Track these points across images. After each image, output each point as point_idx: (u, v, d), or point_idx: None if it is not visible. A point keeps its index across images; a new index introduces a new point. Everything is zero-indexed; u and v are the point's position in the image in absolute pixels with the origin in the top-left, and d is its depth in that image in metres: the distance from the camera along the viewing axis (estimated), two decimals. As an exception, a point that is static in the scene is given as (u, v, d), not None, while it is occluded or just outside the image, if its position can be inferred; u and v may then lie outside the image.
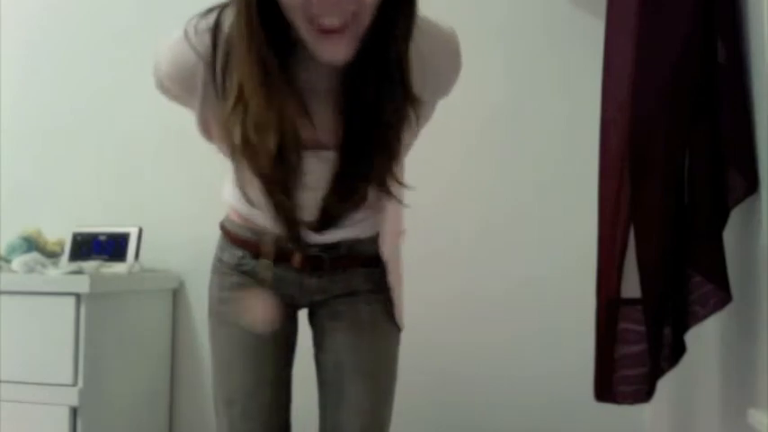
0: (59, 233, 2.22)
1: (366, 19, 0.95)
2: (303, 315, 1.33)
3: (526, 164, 2.06)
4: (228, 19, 1.01)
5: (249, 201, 1.14)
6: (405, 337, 1.32)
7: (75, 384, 1.81)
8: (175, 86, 1.10)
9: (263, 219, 1.18)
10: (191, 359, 2.21)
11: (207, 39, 1.03)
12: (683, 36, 1.19)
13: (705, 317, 1.21)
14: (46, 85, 2.43)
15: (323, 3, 0.92)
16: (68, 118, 2.39)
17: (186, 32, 1.04)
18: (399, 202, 1.16)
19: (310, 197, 1.12)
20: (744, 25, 1.18)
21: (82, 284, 1.82)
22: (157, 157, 2.28)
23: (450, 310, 2.01)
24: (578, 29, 2.00)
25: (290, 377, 1.29)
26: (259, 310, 1.22)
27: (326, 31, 0.94)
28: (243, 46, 0.98)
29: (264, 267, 1.23)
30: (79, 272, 1.88)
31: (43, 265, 1.97)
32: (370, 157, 1.07)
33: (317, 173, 1.09)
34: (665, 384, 1.29)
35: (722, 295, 1.17)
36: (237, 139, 1.03)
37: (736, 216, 1.19)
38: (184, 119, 1.17)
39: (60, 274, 1.89)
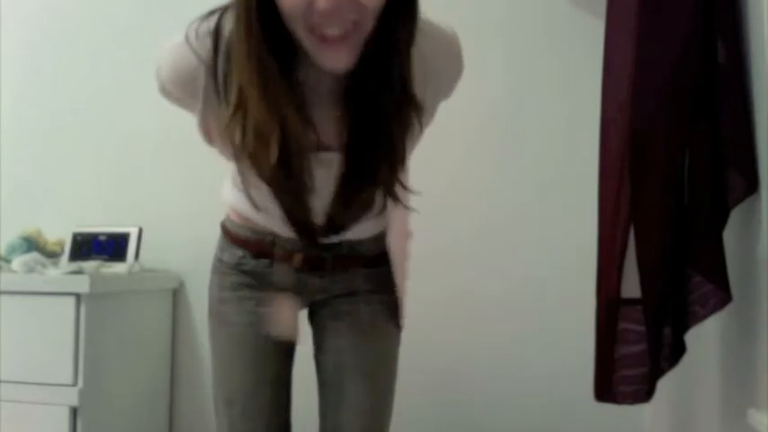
0: (59, 233, 2.22)
1: (368, 27, 0.95)
2: (302, 315, 1.33)
3: (526, 163, 2.06)
4: (229, 22, 1.01)
5: (255, 204, 1.13)
6: (405, 337, 1.32)
7: (75, 384, 1.81)
8: (177, 90, 1.10)
9: (268, 221, 1.18)
10: (191, 359, 2.21)
11: (208, 43, 1.03)
12: (683, 36, 1.19)
13: (705, 317, 1.21)
14: (46, 85, 2.43)
15: (324, 13, 0.91)
16: (68, 118, 2.39)
17: (187, 36, 1.04)
18: (405, 207, 1.16)
19: (317, 200, 1.12)
20: (744, 25, 1.18)
21: (82, 284, 1.82)
22: (157, 157, 2.28)
23: (449, 310, 2.01)
24: (578, 29, 2.00)
25: (290, 377, 1.29)
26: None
27: (328, 40, 0.94)
28: (242, 51, 0.97)
29: (284, 274, 1.23)
30: (79, 272, 1.88)
31: (43, 265, 1.97)
32: (374, 161, 1.07)
33: (322, 175, 1.09)
34: (665, 384, 1.29)
35: (722, 295, 1.17)
36: (238, 144, 1.03)
37: (736, 216, 1.19)
38: (184, 119, 1.17)
39: (60, 274, 1.89)
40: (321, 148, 1.07)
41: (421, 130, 1.10)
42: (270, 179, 1.06)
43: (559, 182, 2.02)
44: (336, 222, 1.15)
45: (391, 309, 1.28)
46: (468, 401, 2.02)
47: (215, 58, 1.03)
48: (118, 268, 2.04)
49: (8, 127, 2.42)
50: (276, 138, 1.00)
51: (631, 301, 1.25)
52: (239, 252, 1.26)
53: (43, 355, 1.83)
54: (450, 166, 2.04)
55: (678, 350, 1.26)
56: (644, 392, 1.25)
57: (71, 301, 1.83)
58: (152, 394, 2.15)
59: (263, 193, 1.11)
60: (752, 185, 1.13)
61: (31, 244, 2.14)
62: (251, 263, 1.25)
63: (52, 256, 2.14)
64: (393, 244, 1.25)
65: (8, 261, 2.04)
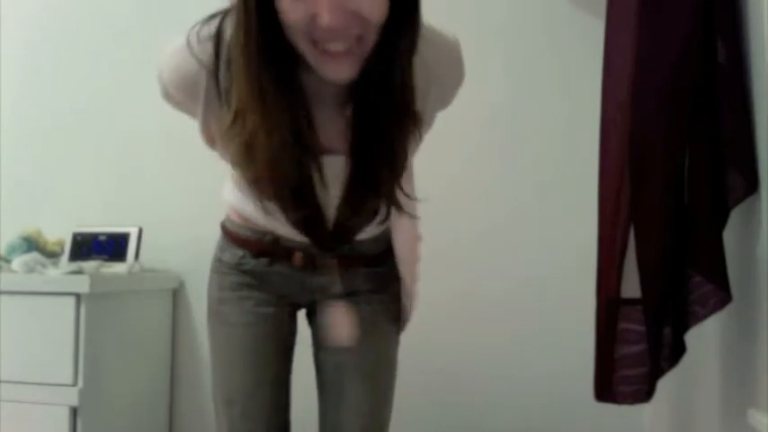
0: (59, 233, 2.22)
1: (371, 41, 0.95)
2: (302, 315, 1.33)
3: (526, 163, 2.06)
4: (231, 26, 1.00)
5: (264, 209, 1.13)
6: (405, 337, 1.32)
7: (75, 384, 1.81)
8: (179, 94, 1.09)
9: (273, 223, 1.18)
10: (191, 359, 2.21)
11: (209, 47, 1.03)
12: (683, 36, 1.19)
13: (705, 317, 1.21)
14: (46, 85, 2.43)
15: (328, 29, 0.91)
16: (68, 118, 2.39)
17: (188, 41, 1.04)
18: (411, 216, 1.16)
19: (327, 203, 1.12)
20: (744, 25, 1.18)
21: (82, 284, 1.82)
22: (157, 157, 2.28)
23: (450, 310, 2.01)
24: (578, 29, 2.00)
25: (289, 377, 1.29)
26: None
27: (331, 54, 0.94)
28: (241, 63, 0.97)
29: (284, 273, 1.23)
30: (79, 272, 1.88)
31: (43, 265, 1.97)
32: (376, 167, 1.07)
33: (329, 177, 1.09)
34: (665, 384, 1.29)
35: (722, 295, 1.17)
36: (235, 153, 1.03)
37: (736, 216, 1.19)
38: (184, 119, 1.17)
39: (60, 274, 1.89)
40: (324, 151, 1.07)
41: (420, 140, 1.10)
42: (273, 193, 1.06)
43: (559, 182, 2.02)
44: (344, 228, 1.15)
45: (392, 309, 1.28)
46: (468, 401, 2.02)
47: (216, 63, 1.03)
48: (118, 268, 2.04)
49: (8, 127, 2.42)
50: (269, 148, 1.00)
51: (631, 301, 1.25)
52: (239, 252, 1.26)
53: (43, 355, 1.83)
54: (451, 166, 2.03)
55: (678, 350, 1.26)
56: (644, 392, 1.25)
57: (71, 301, 1.83)
58: (152, 394, 2.15)
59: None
60: (752, 185, 1.13)
61: (31, 244, 2.14)
62: (251, 262, 1.25)
63: (52, 256, 2.14)
64: (401, 248, 1.25)
65: (8, 261, 2.04)
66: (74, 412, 1.81)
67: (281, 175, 1.03)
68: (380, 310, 1.26)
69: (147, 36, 2.16)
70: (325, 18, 0.90)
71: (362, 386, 1.24)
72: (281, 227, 1.18)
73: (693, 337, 1.25)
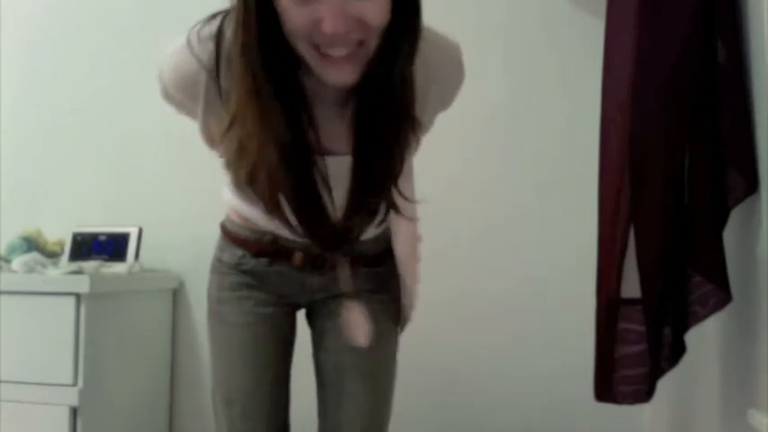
0: (59, 233, 2.22)
1: (372, 45, 0.96)
2: (301, 315, 1.33)
3: (526, 163, 2.06)
4: (231, 26, 1.00)
5: (265, 210, 1.11)
6: (405, 337, 1.32)
7: (75, 384, 1.81)
8: (179, 94, 1.09)
9: (274, 224, 1.17)
10: (191, 359, 2.21)
11: (210, 46, 1.03)
12: (683, 36, 1.19)
13: (705, 317, 1.21)
14: (46, 85, 2.43)
15: (330, 36, 0.91)
16: (68, 118, 2.39)
17: (189, 41, 1.04)
18: (409, 218, 1.16)
19: (329, 201, 1.11)
20: (744, 25, 1.18)
21: (82, 284, 1.82)
22: (157, 157, 2.28)
23: (450, 310, 2.01)
24: (578, 28, 2.00)
25: (289, 377, 1.29)
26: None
27: (332, 59, 0.94)
28: (240, 61, 0.97)
29: (284, 272, 1.23)
30: (79, 272, 1.88)
31: (43, 265, 1.97)
32: (375, 170, 1.07)
33: (332, 175, 1.09)
34: (665, 384, 1.29)
35: (722, 295, 1.17)
36: (230, 153, 1.03)
37: (736, 216, 1.19)
38: (185, 119, 1.17)
39: (60, 274, 1.89)
40: (325, 151, 1.07)
41: (418, 143, 1.11)
42: (269, 195, 1.06)
43: (559, 182, 2.02)
44: (346, 228, 1.15)
45: (392, 309, 1.28)
46: (468, 401, 2.02)
47: (217, 63, 1.03)
48: (118, 268, 2.04)
49: (8, 127, 2.42)
50: (264, 153, 1.00)
51: (631, 301, 1.25)
52: (239, 252, 1.26)
53: (43, 355, 1.83)
54: (451, 165, 2.03)
55: (678, 350, 1.26)
56: (644, 392, 1.25)
57: (71, 301, 1.83)
58: (152, 394, 2.15)
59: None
60: (752, 185, 1.13)
61: (31, 244, 2.14)
62: (250, 262, 1.25)
63: (52, 256, 2.14)
64: (400, 249, 1.25)
65: (8, 261, 2.04)
66: (74, 412, 1.81)
67: (278, 177, 1.03)
68: (381, 310, 1.26)
69: (147, 36, 2.16)
70: (329, 24, 0.90)
71: (363, 386, 1.24)
72: (281, 227, 1.18)
73: (693, 337, 1.25)
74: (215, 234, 1.32)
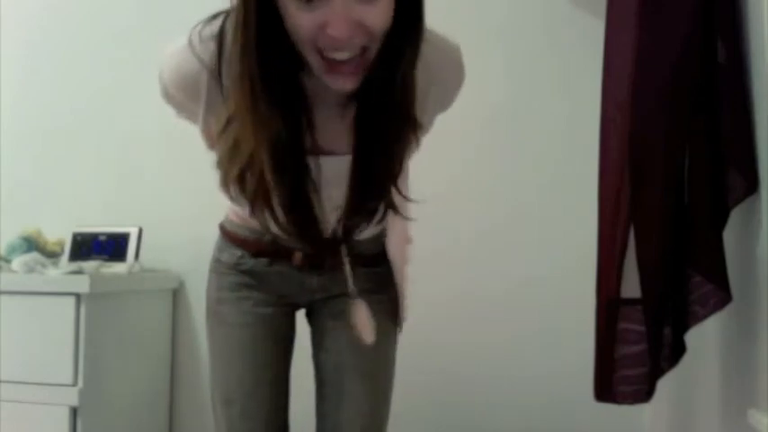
0: (59, 233, 2.22)
1: (374, 49, 0.96)
2: (301, 315, 1.33)
3: (526, 164, 2.06)
4: (231, 26, 1.00)
5: (252, 212, 1.12)
6: (405, 338, 1.32)
7: (75, 384, 1.81)
8: (179, 94, 1.09)
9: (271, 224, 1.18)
10: (191, 359, 2.21)
11: (212, 46, 1.03)
12: (683, 36, 1.19)
13: (705, 317, 1.21)
14: (46, 85, 2.43)
15: (334, 41, 0.92)
16: (68, 118, 2.39)
17: (191, 41, 1.04)
18: (406, 218, 1.16)
19: (326, 200, 1.12)
20: (744, 25, 1.18)
21: (82, 284, 1.82)
22: (157, 157, 2.28)
23: (450, 311, 2.01)
24: (578, 29, 2.00)
25: (288, 377, 1.29)
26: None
27: (335, 63, 0.95)
28: (238, 61, 0.97)
29: (283, 272, 1.24)
30: (79, 272, 1.88)
31: (43, 265, 1.97)
32: (376, 171, 1.07)
33: (330, 177, 1.09)
34: (665, 384, 1.29)
35: (722, 295, 1.17)
36: (223, 154, 1.04)
37: (736, 216, 1.19)
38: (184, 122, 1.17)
39: (60, 274, 1.89)
40: (324, 152, 1.07)
41: (418, 145, 1.11)
42: (253, 197, 1.06)
43: (559, 182, 2.02)
44: (345, 228, 1.15)
45: (390, 309, 1.28)
46: (468, 401, 2.02)
47: (219, 62, 1.02)
48: (118, 268, 2.04)
49: (8, 127, 2.42)
50: (257, 154, 1.00)
51: (631, 301, 1.25)
52: (238, 252, 1.26)
53: (43, 355, 1.83)
54: (451, 166, 2.03)
55: (678, 350, 1.26)
56: (644, 392, 1.25)
57: (71, 301, 1.83)
58: (152, 394, 2.15)
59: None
60: (752, 185, 1.13)
61: (31, 244, 2.14)
62: (249, 262, 1.25)
63: (52, 256, 2.14)
64: (392, 249, 1.25)
65: (8, 261, 2.04)
66: (74, 412, 1.81)
67: (268, 179, 1.02)
68: (380, 310, 1.26)
69: (147, 36, 2.17)
70: (334, 29, 0.90)
71: (363, 386, 1.24)
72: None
73: (693, 337, 1.25)
74: (215, 234, 1.32)
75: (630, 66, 1.24)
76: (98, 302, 1.87)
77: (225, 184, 1.08)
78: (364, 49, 0.95)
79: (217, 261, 1.29)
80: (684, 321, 1.24)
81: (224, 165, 1.06)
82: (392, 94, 1.01)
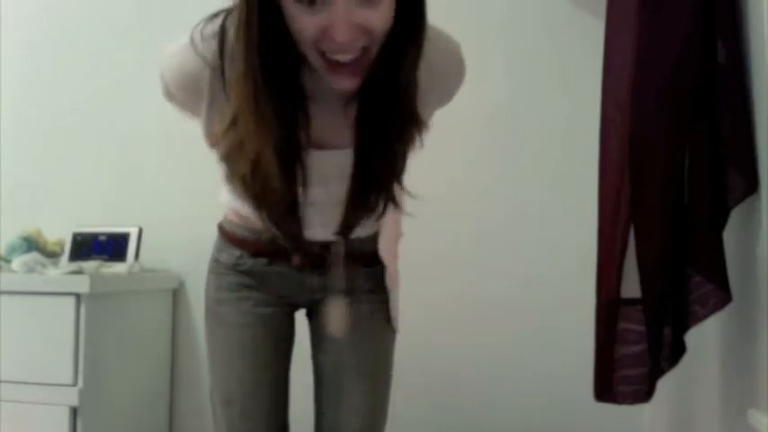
0: (59, 233, 2.21)
1: (375, 50, 0.97)
2: (301, 315, 1.33)
3: (526, 163, 2.05)
4: (233, 24, 1.00)
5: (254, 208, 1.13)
6: (405, 339, 1.32)
7: (75, 384, 1.81)
8: (181, 93, 1.09)
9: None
10: (191, 359, 2.21)
11: (213, 44, 1.03)
12: (683, 36, 1.19)
13: (705, 317, 1.21)
14: (46, 85, 2.42)
15: (336, 44, 0.92)
16: (68, 118, 2.39)
17: (192, 39, 1.04)
18: (404, 211, 1.16)
19: (322, 193, 1.11)
20: (744, 25, 1.18)
21: (82, 284, 1.82)
22: (157, 157, 2.28)
23: (450, 311, 2.01)
24: (578, 29, 2.00)
25: (287, 378, 1.29)
26: None
27: (337, 64, 0.95)
28: (240, 59, 0.97)
29: (283, 272, 1.24)
30: (79, 272, 1.88)
31: (43, 265, 1.97)
32: (377, 167, 1.08)
33: (331, 170, 1.09)
34: (665, 384, 1.29)
35: (722, 295, 1.17)
36: (227, 151, 1.04)
37: (736, 216, 1.19)
38: (185, 119, 1.17)
39: (60, 274, 1.89)
40: (328, 145, 1.08)
41: (421, 142, 1.11)
42: (255, 194, 1.07)
43: (559, 182, 2.02)
44: (347, 223, 1.15)
45: (389, 309, 1.28)
46: (468, 402, 2.02)
47: (221, 60, 1.03)
48: (118, 268, 2.04)
49: (8, 127, 2.42)
50: (260, 152, 1.00)
51: (631, 301, 1.25)
52: (236, 252, 1.26)
53: (43, 355, 1.83)
54: (451, 166, 2.03)
55: (678, 350, 1.26)
56: (644, 392, 1.25)
57: (71, 301, 1.83)
58: (152, 394, 2.15)
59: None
60: (752, 185, 1.13)
61: (31, 244, 2.14)
62: (249, 262, 1.25)
63: (52, 256, 2.14)
64: (384, 246, 1.25)
65: (8, 261, 2.04)
66: (74, 412, 1.81)
67: (272, 175, 1.03)
68: (379, 310, 1.27)
69: (147, 36, 2.16)
70: (338, 34, 0.91)
71: (362, 386, 1.24)
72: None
73: (693, 337, 1.25)
74: (215, 234, 1.32)
75: (630, 66, 1.24)
76: (98, 302, 1.87)
77: (231, 181, 1.09)
78: (365, 49, 0.95)
79: (216, 261, 1.29)
80: (684, 321, 1.24)
81: (230, 163, 1.06)
82: (394, 94, 1.01)
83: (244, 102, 0.98)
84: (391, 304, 1.28)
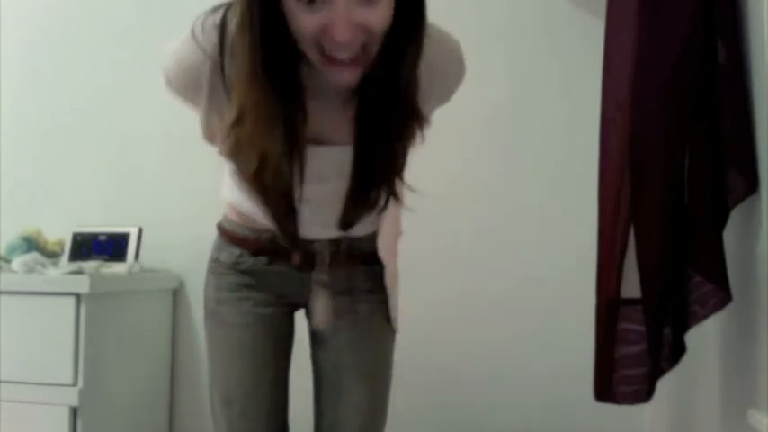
0: (59, 233, 2.21)
1: (375, 48, 0.97)
2: (300, 315, 1.33)
3: (526, 164, 2.05)
4: (234, 18, 1.01)
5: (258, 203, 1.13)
6: (405, 338, 1.32)
7: (75, 384, 1.81)
8: (182, 85, 1.10)
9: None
10: (191, 359, 2.21)
11: (214, 37, 1.03)
12: (683, 36, 1.19)
13: (705, 317, 1.21)
14: (46, 85, 2.42)
15: (336, 42, 0.92)
16: (68, 118, 2.39)
17: (193, 31, 1.04)
18: (406, 207, 1.17)
19: (319, 191, 1.12)
20: (744, 25, 1.18)
21: (82, 284, 1.82)
22: (157, 157, 2.28)
23: (450, 311, 2.01)
24: (578, 29, 2.00)
25: (287, 377, 1.29)
26: None
27: (337, 62, 0.96)
28: (242, 54, 0.97)
29: (283, 271, 1.24)
30: (79, 272, 1.88)
31: (43, 265, 1.97)
32: (377, 163, 1.08)
33: (327, 166, 1.09)
34: (665, 384, 1.29)
35: (722, 295, 1.17)
36: (232, 147, 1.04)
37: (736, 216, 1.19)
38: (185, 119, 1.17)
39: (60, 274, 1.89)
40: (328, 141, 1.08)
41: (423, 139, 1.11)
42: (255, 182, 1.07)
43: (559, 182, 2.02)
44: (347, 219, 1.15)
45: (388, 308, 1.28)
46: (468, 402, 2.02)
47: (221, 53, 1.03)
48: (118, 268, 2.04)
49: (8, 127, 2.42)
50: (265, 147, 1.01)
51: (631, 301, 1.25)
52: (236, 251, 1.25)
53: (43, 355, 1.82)
54: (451, 166, 2.03)
55: (678, 350, 1.26)
56: (644, 392, 1.25)
57: (71, 301, 1.82)
58: (152, 394, 2.15)
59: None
60: (752, 185, 1.13)
61: (31, 244, 2.14)
62: (249, 261, 1.25)
63: (52, 256, 2.14)
64: (383, 245, 1.25)
65: (8, 261, 2.04)
66: (74, 412, 1.80)
67: (281, 170, 1.03)
68: (379, 310, 1.27)
69: (147, 36, 2.17)
70: (338, 33, 0.91)
71: (362, 386, 1.24)
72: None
73: (693, 337, 1.25)
74: (215, 234, 1.32)
75: (630, 66, 1.24)
76: (98, 302, 1.87)
77: (239, 177, 1.10)
78: (365, 48, 0.96)
79: (215, 261, 1.29)
80: (684, 321, 1.24)
81: (237, 160, 1.07)
82: (395, 93, 1.02)
83: (249, 99, 0.98)
84: (391, 304, 1.27)
